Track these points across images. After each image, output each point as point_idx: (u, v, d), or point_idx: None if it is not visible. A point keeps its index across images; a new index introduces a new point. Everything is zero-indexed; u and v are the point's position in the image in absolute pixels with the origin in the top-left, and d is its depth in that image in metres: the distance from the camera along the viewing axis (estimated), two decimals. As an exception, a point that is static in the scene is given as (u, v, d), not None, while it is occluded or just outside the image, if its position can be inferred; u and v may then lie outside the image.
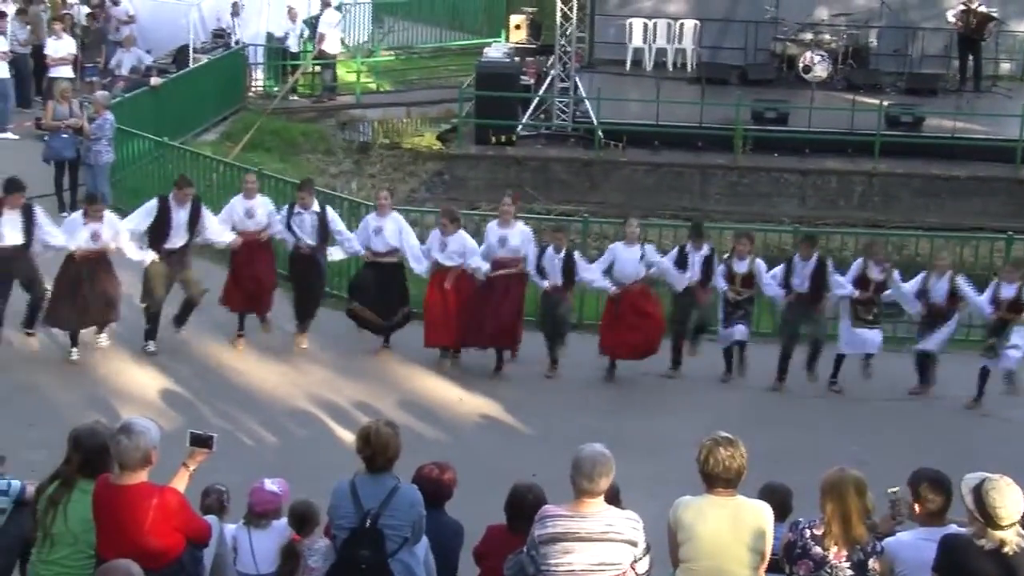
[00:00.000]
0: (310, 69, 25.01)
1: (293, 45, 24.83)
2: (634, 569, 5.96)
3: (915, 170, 20.77)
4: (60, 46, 21.01)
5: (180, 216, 12.80)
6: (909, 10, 24.91)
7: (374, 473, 6.18)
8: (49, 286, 12.52)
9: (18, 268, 12.46)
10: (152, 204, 12.92)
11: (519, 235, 12.97)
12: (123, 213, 13.45)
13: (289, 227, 13.14)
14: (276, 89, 23.92)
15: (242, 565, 7.53)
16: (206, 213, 13.01)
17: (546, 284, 12.93)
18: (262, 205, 13.27)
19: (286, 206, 13.37)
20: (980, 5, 23.36)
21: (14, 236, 12.25)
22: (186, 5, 22.85)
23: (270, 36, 24.98)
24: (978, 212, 20.11)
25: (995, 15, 23.65)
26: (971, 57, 23.88)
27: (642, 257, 12.87)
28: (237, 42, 24.06)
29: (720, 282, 12.96)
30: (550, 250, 12.89)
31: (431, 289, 13.11)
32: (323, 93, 25.02)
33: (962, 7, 23.27)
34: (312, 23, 24.97)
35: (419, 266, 13.07)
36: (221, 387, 12.56)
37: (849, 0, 24.88)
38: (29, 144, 19.06)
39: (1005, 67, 25.34)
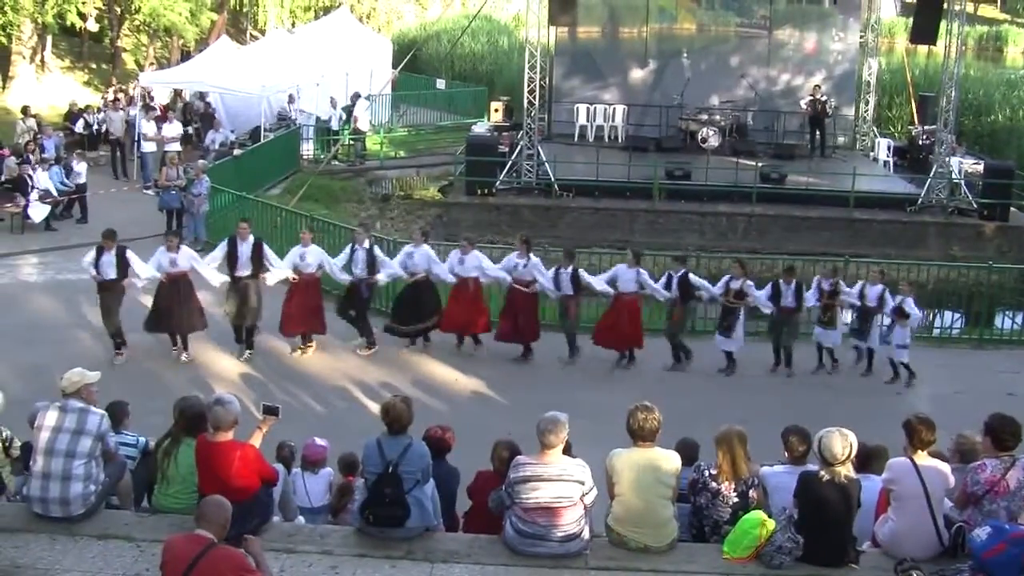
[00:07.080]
0: (347, 142, 24.97)
1: (334, 124, 24.79)
2: (583, 501, 5.99)
3: (781, 212, 20.78)
4: (171, 129, 21.23)
5: (243, 249, 12.51)
6: (775, 98, 25.15)
7: (393, 435, 6.18)
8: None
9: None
10: (223, 243, 12.75)
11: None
12: (215, 246, 13.39)
13: (348, 266, 12.79)
14: (322, 156, 23.84)
15: (300, 500, 7.54)
16: (267, 250, 12.66)
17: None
18: (313, 253, 12.80)
19: (349, 246, 13.00)
20: (823, 95, 23.69)
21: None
22: (258, 98, 22.84)
23: (318, 118, 24.95)
24: (824, 242, 20.15)
25: (832, 102, 23.98)
26: (818, 132, 24.10)
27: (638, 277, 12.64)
28: (294, 122, 24.03)
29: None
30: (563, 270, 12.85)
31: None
32: (356, 159, 24.93)
33: (810, 97, 23.70)
34: (348, 108, 24.98)
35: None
36: (284, 372, 12.52)
37: (733, 91, 25.06)
38: (141, 197, 19.68)
39: (840, 139, 25.50)
